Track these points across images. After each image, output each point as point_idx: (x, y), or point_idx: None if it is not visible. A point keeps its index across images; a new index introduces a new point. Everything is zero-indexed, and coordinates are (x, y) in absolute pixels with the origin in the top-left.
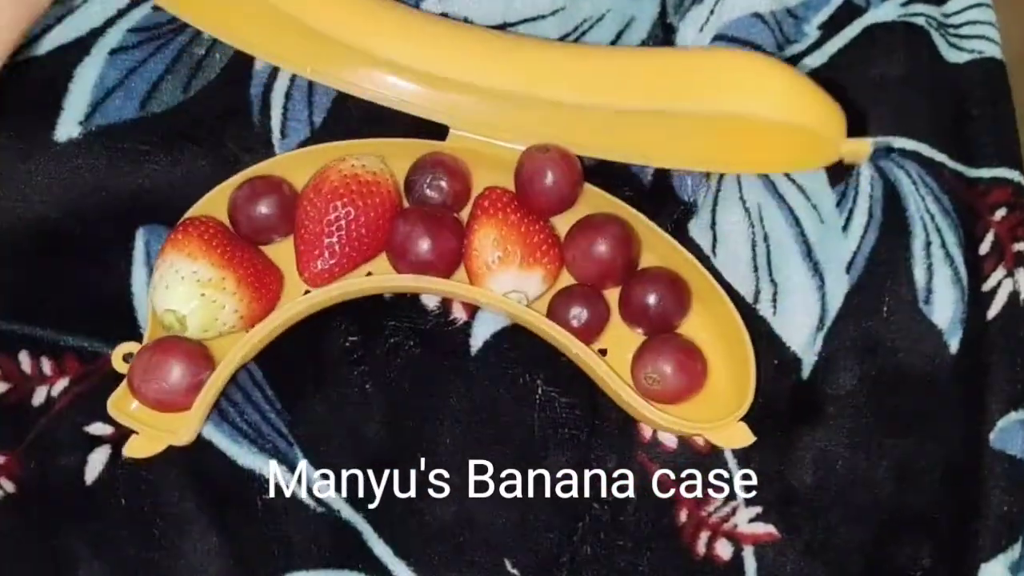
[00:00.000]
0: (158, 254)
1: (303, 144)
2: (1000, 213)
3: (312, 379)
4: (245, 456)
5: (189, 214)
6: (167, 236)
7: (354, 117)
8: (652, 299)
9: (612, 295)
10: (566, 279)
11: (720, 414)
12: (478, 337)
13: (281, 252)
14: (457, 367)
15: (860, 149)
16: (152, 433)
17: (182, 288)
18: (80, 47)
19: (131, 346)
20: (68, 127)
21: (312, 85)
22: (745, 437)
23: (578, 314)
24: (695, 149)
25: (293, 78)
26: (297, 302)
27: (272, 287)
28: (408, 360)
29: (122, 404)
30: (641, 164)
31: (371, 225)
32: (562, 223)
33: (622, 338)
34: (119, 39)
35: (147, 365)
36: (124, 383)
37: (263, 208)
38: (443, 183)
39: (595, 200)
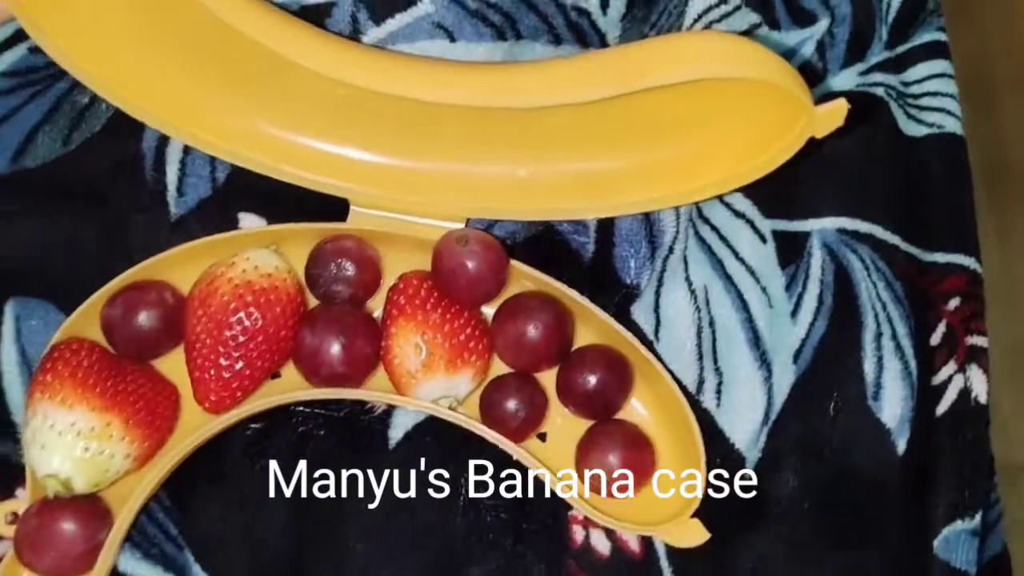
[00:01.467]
0: (27, 398)
1: (203, 203)
2: (954, 303)
3: (207, 474)
4: (127, 562)
5: (56, 338)
6: (35, 370)
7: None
8: (591, 382)
9: (548, 376)
10: (496, 363)
11: (668, 506)
12: (398, 428)
13: (172, 363)
14: (372, 461)
15: (836, 111)
16: None
17: (61, 445)
18: None
19: (13, 504)
20: None
21: None
22: (700, 535)
23: (516, 410)
24: (651, 163)
25: None
26: (193, 438)
27: (166, 413)
28: (317, 453)
29: (13, 572)
30: (582, 216)
31: (272, 338)
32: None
33: (563, 419)
34: None
35: (35, 535)
36: (11, 552)
37: (145, 322)
38: (350, 273)
39: (521, 278)
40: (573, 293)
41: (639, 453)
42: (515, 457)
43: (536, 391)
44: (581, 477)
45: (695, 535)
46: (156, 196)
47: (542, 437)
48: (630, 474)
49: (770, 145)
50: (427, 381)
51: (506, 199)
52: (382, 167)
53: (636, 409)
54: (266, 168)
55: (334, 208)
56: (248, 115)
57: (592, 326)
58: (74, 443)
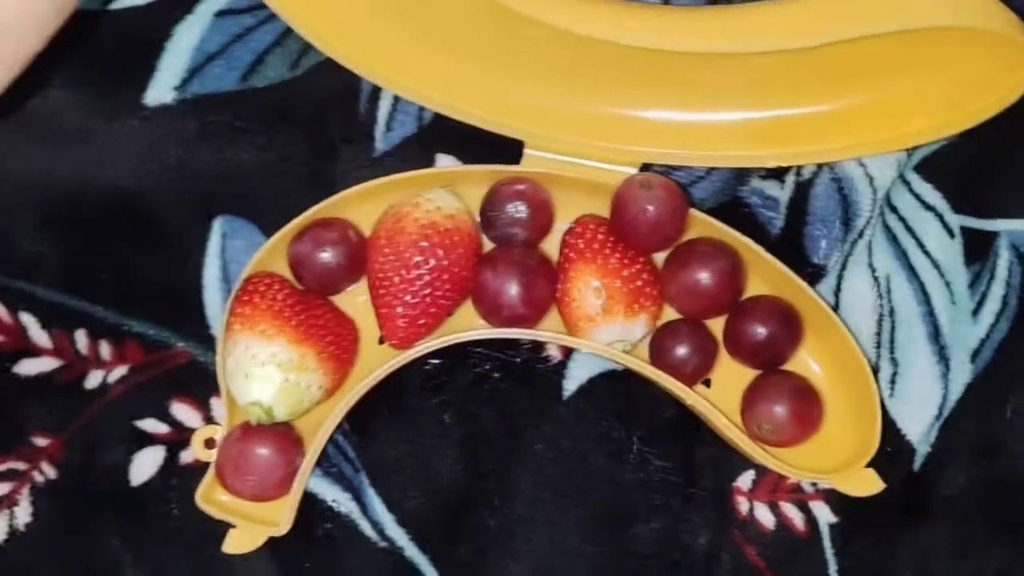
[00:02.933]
0: (225, 327)
1: (407, 141)
2: None
3: (387, 402)
4: (309, 479)
5: (248, 271)
6: (231, 300)
7: None
8: (761, 334)
9: (716, 324)
10: (667, 310)
11: (841, 457)
12: (572, 380)
13: (350, 299)
14: (546, 410)
15: None
16: (251, 526)
17: (263, 375)
18: (183, 4)
19: (211, 430)
20: (161, 91)
21: None
22: (874, 484)
23: (686, 357)
24: (852, 110)
25: None
26: (380, 371)
27: (350, 347)
28: (493, 394)
29: (211, 495)
30: (763, 164)
31: (455, 277)
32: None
33: (728, 370)
34: (227, 0)
35: (238, 460)
36: (211, 474)
37: (330, 259)
38: (524, 216)
39: (695, 222)
40: (746, 240)
41: (806, 405)
42: (688, 402)
43: (707, 338)
44: (747, 427)
45: (869, 484)
46: (365, 129)
47: (707, 383)
48: (798, 425)
49: (985, 94)
50: (606, 325)
51: (683, 144)
52: (558, 109)
53: (806, 361)
54: (440, 106)
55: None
56: (431, 54)
57: (761, 271)
58: (275, 373)
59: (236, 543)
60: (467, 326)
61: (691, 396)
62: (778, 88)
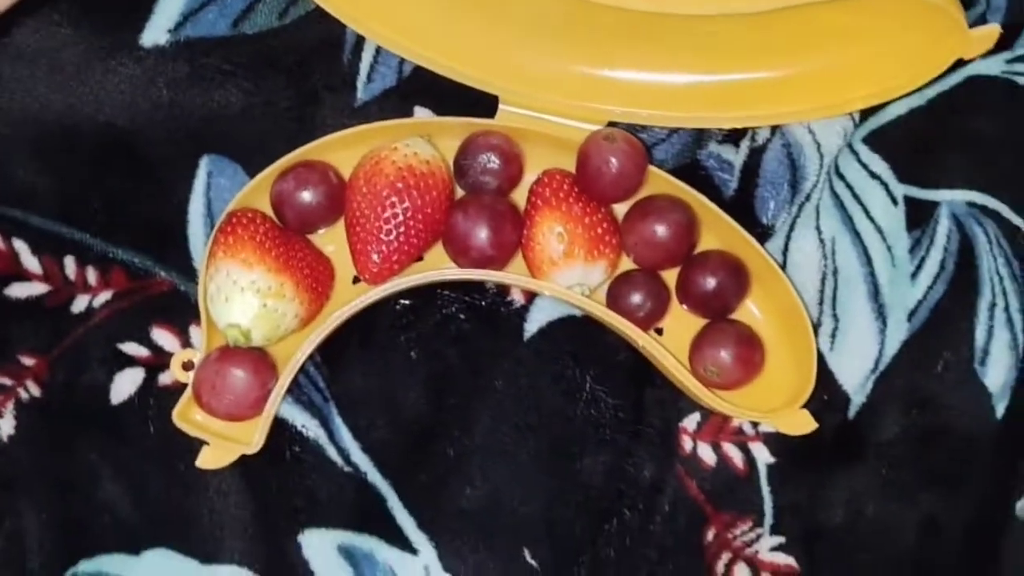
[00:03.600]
0: (208, 256)
1: (387, 92)
2: None
3: (357, 338)
4: (280, 404)
5: (231, 207)
6: (215, 231)
7: None
8: (711, 284)
9: (669, 275)
10: (624, 261)
11: (781, 398)
12: (533, 323)
13: (327, 239)
14: (507, 350)
15: (988, 35)
16: (224, 443)
17: (242, 300)
18: None
19: (190, 353)
20: (156, 33)
21: None
22: (807, 423)
23: (640, 303)
24: (804, 75)
25: None
26: (353, 304)
27: (326, 282)
28: (458, 334)
29: (187, 414)
30: (721, 125)
31: (428, 219)
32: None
33: (679, 319)
34: None
35: (215, 380)
36: (188, 394)
37: (311, 199)
38: (496, 166)
39: (654, 179)
40: (701, 197)
41: (749, 350)
42: (640, 343)
43: (661, 287)
44: (694, 369)
45: (804, 424)
46: (348, 79)
47: (659, 331)
48: (740, 368)
49: (918, 63)
50: (566, 268)
51: (648, 105)
52: (532, 66)
53: (751, 311)
54: (420, 59)
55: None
56: (415, 8)
57: (713, 226)
58: (254, 299)
59: (209, 459)
60: (437, 268)
61: (643, 339)
62: (734, 53)
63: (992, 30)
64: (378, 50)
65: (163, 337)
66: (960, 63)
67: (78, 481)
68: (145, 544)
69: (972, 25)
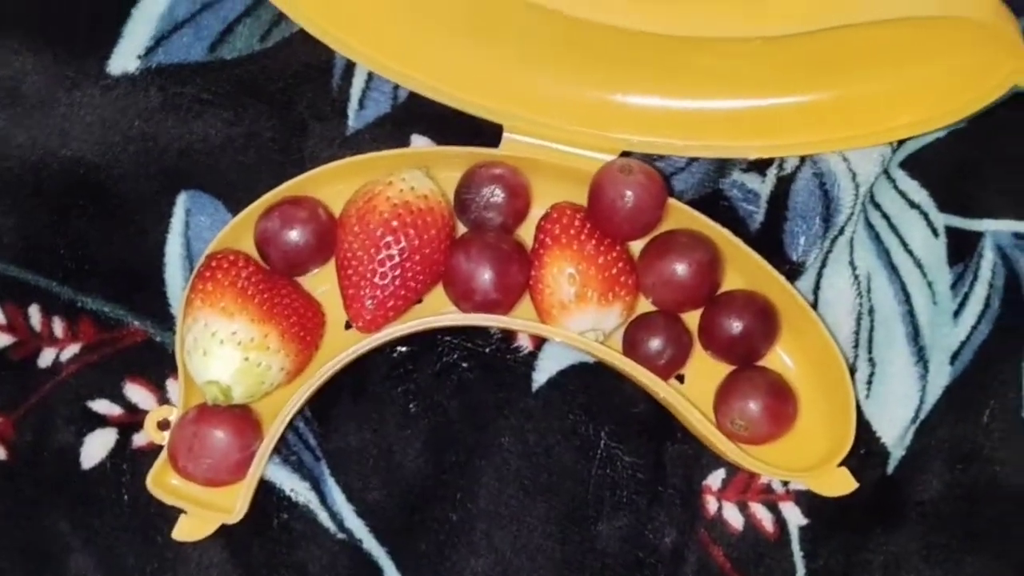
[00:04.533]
0: (185, 304)
1: (381, 119)
2: None
3: (350, 390)
4: (266, 466)
5: (212, 248)
6: (193, 276)
7: None
8: (737, 328)
9: (691, 318)
10: (642, 303)
11: (815, 454)
12: (542, 372)
13: (317, 281)
14: (514, 402)
15: None
16: (203, 512)
17: (222, 354)
18: None
19: (165, 411)
20: (125, 59)
21: None
22: (847, 483)
23: (660, 349)
24: (835, 102)
25: None
26: (345, 354)
27: (315, 330)
28: (460, 385)
29: (163, 479)
30: (745, 155)
31: (426, 260)
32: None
33: (702, 366)
34: None
35: (192, 442)
36: (164, 456)
37: (298, 238)
38: (501, 201)
39: (673, 213)
40: (725, 232)
41: (780, 402)
42: (660, 395)
43: (683, 331)
44: (719, 422)
45: (842, 483)
46: (338, 106)
47: (680, 379)
48: (771, 422)
49: (972, 88)
50: (578, 312)
51: (665, 133)
52: (539, 92)
53: (781, 357)
54: (417, 85)
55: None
56: (410, 31)
57: (739, 265)
58: (235, 352)
59: (187, 530)
60: (437, 313)
61: (663, 389)
62: (761, 77)
63: None
64: (370, 74)
65: (137, 393)
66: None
67: (47, 553)
68: None
69: None
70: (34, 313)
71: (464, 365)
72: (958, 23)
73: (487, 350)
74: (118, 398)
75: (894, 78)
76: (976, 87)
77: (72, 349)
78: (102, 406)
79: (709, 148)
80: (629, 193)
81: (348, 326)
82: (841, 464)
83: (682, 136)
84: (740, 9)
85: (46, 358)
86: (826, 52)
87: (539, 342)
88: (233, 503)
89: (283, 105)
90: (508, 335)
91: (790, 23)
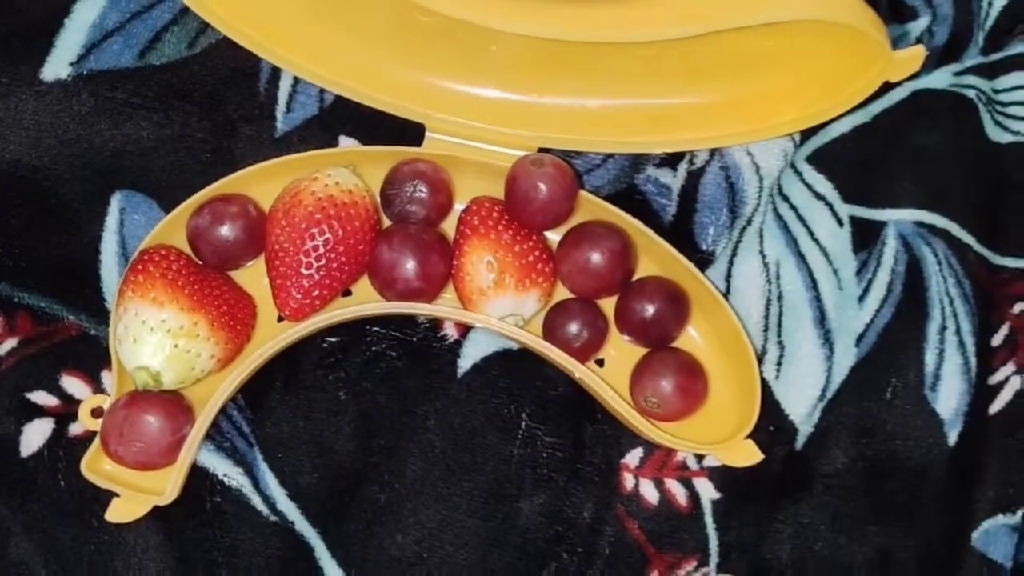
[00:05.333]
0: (118, 295)
1: (308, 121)
2: (1020, 306)
3: (282, 378)
4: (200, 452)
5: (144, 244)
6: (125, 272)
7: None
8: (649, 312)
9: (607, 303)
10: (560, 291)
11: (725, 429)
12: (467, 358)
13: (249, 276)
14: (440, 388)
15: (913, 57)
16: (136, 495)
17: (152, 341)
18: None
19: (99, 399)
20: (57, 67)
21: None
22: (753, 454)
23: (577, 332)
24: (726, 100)
25: None
26: (273, 342)
27: (246, 320)
28: (389, 372)
29: (96, 464)
30: (650, 150)
31: (351, 251)
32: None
33: (619, 349)
34: None
35: (123, 426)
36: (97, 442)
37: (228, 234)
38: (424, 195)
39: (588, 206)
40: (637, 223)
41: (691, 379)
42: (577, 375)
43: (598, 316)
44: (635, 401)
45: (749, 455)
46: (266, 109)
47: (600, 363)
48: (682, 399)
49: (845, 87)
50: (497, 298)
51: (577, 130)
52: (458, 94)
53: (693, 339)
54: (341, 88)
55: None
56: (333, 37)
57: (651, 252)
58: (164, 339)
59: (120, 512)
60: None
61: (581, 370)
62: (661, 78)
63: (917, 52)
64: (297, 78)
65: (73, 385)
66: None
67: None
68: None
69: (918, 38)
70: None
71: (392, 354)
72: (825, 27)
73: (414, 339)
74: (55, 389)
75: (776, 78)
76: (851, 84)
77: (10, 343)
78: (40, 397)
79: (617, 144)
80: (541, 185)
81: (281, 319)
82: (751, 439)
83: (592, 133)
84: (633, 16)
85: None
86: (713, 55)
87: (464, 330)
88: (165, 486)
89: (212, 108)
90: (434, 325)
91: (673, 29)
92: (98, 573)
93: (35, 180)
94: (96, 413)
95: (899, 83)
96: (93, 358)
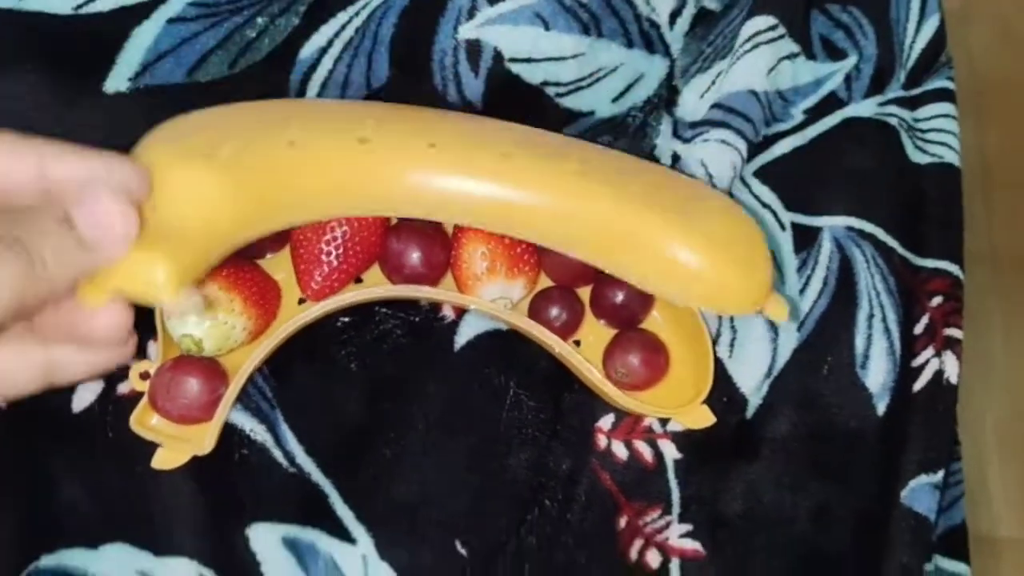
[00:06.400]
0: None
1: None
2: (937, 300)
3: (302, 352)
4: (230, 411)
5: None
6: None
7: None
8: (619, 298)
9: (584, 291)
10: (543, 280)
11: (684, 397)
12: (463, 336)
13: (274, 264)
14: (439, 359)
15: (779, 312)
16: (177, 445)
17: (196, 313)
18: (141, 11)
19: (146, 364)
20: (117, 81)
21: (347, 80)
22: (707, 418)
23: (557, 315)
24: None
25: (332, 68)
26: (297, 318)
27: (273, 300)
28: (394, 347)
29: (144, 419)
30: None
31: (365, 242)
32: None
33: (594, 331)
34: (179, 10)
35: (169, 385)
36: (144, 400)
37: None
38: None
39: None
40: None
41: (655, 355)
42: (557, 351)
43: (575, 301)
44: (606, 373)
45: (704, 418)
46: None
47: (577, 343)
48: (647, 370)
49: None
50: (489, 283)
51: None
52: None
53: (657, 321)
54: None
55: None
56: None
57: None
58: (207, 312)
59: (164, 460)
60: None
61: (561, 346)
62: None
63: (781, 309)
64: (319, 96)
65: None
66: (838, 106)
67: (41, 483)
68: (103, 539)
69: (847, 75)
70: None
71: (398, 331)
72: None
73: (416, 319)
74: None
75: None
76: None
77: None
78: None
79: None
80: None
81: (301, 301)
82: (705, 405)
83: None
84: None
85: None
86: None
87: (460, 312)
88: (203, 439)
89: None
90: (435, 307)
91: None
92: (139, 512)
93: None
94: (144, 376)
95: (831, 111)
96: (138, 330)
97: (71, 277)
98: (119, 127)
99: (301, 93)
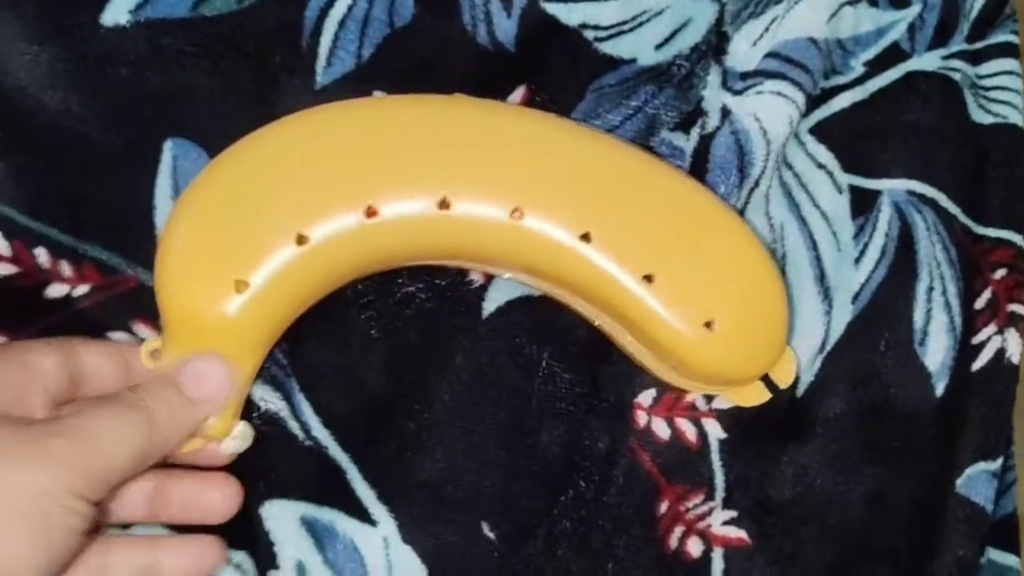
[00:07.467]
0: None
1: (346, 76)
2: (1000, 273)
3: (319, 316)
4: None
5: None
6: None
7: (404, 59)
8: None
9: None
10: None
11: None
12: (492, 302)
13: None
14: (466, 327)
15: (786, 376)
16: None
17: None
18: None
19: (155, 343)
20: (116, 13)
21: (367, 18)
22: (761, 394)
23: None
24: None
25: (350, 7)
26: None
27: None
28: (418, 312)
29: None
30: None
31: None
32: None
33: None
34: None
35: None
36: None
37: None
38: None
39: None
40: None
41: None
42: (596, 322)
43: None
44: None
45: (757, 395)
46: (306, 62)
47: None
48: None
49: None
50: None
51: None
52: None
53: None
54: None
55: None
56: None
57: None
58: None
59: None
60: None
61: (600, 316)
62: None
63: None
64: (336, 35)
65: (144, 333)
66: (901, 58)
67: None
68: None
69: (911, 24)
70: (41, 254)
71: (422, 296)
72: None
73: (443, 283)
74: (130, 333)
75: None
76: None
77: (83, 288)
78: (118, 337)
79: None
80: None
81: None
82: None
83: None
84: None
85: (56, 291)
86: None
87: (489, 277)
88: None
89: (258, 60)
90: (461, 271)
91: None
92: None
93: (85, 132)
94: (155, 355)
95: (894, 64)
96: (153, 309)
97: (183, 433)
98: (117, 64)
99: (316, 31)
